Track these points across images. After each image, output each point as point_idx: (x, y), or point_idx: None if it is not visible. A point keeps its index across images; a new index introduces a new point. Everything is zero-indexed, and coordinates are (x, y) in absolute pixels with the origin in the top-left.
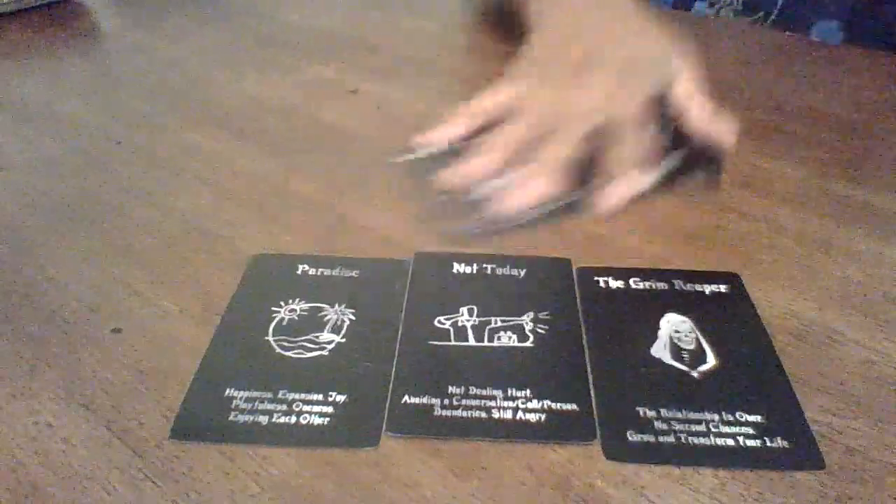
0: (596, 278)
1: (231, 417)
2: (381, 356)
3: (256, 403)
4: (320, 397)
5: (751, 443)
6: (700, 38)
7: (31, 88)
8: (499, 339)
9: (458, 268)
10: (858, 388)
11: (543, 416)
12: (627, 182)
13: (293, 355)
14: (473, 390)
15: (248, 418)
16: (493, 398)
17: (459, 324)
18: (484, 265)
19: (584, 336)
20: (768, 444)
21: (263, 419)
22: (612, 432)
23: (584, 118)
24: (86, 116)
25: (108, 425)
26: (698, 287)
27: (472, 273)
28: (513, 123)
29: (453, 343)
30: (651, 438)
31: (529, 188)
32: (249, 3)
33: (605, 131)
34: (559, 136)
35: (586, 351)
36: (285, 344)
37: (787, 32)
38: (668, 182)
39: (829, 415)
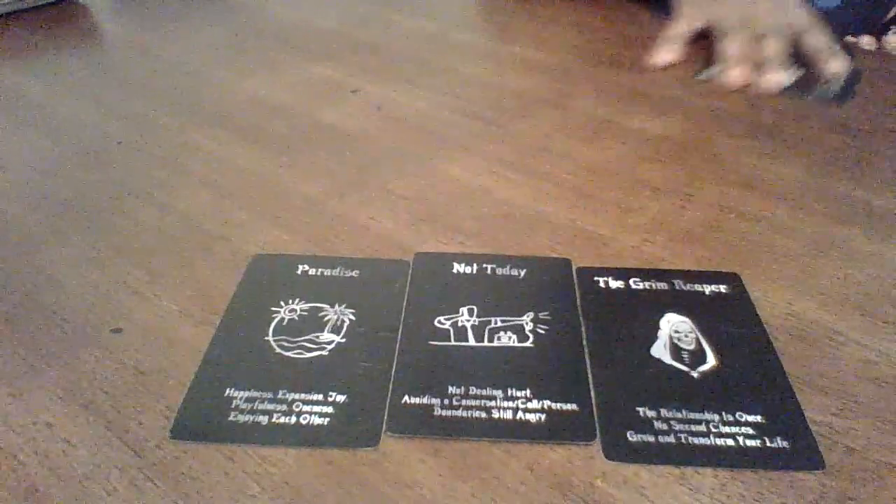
0: (596, 278)
1: (231, 417)
2: (381, 356)
3: (256, 403)
4: (320, 397)
5: (751, 443)
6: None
7: (31, 88)
8: (499, 339)
9: (458, 268)
10: (858, 388)
11: (543, 416)
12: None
13: (293, 355)
14: (473, 390)
15: (248, 418)
16: (493, 398)
17: (459, 324)
18: (484, 265)
19: (584, 336)
20: (768, 444)
21: (263, 419)
22: (612, 432)
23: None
24: (86, 116)
25: (108, 425)
26: (698, 287)
27: (472, 273)
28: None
29: (453, 343)
30: (651, 438)
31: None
32: (250, 4)
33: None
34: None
35: (586, 351)
36: (285, 344)
37: None
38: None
39: (829, 415)
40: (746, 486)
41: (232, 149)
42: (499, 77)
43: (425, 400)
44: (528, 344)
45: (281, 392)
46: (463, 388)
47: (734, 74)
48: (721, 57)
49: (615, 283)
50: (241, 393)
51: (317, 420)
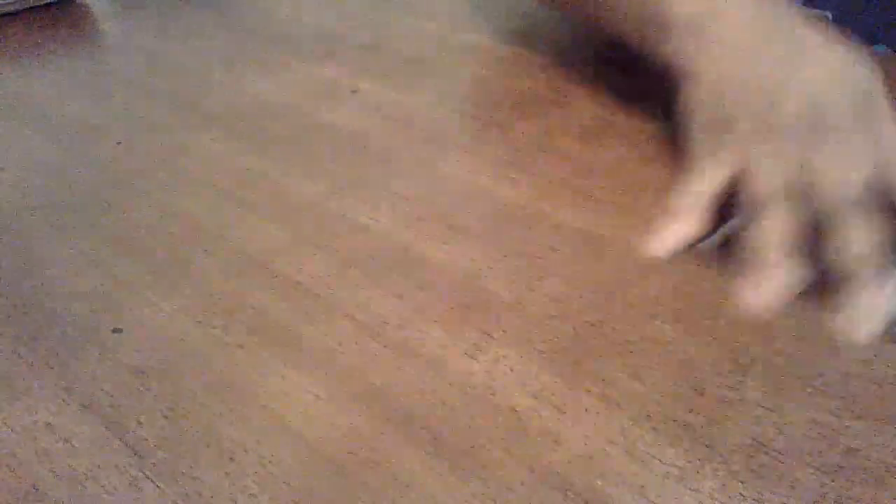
0: None
1: None
2: None
3: None
4: None
5: None
6: None
7: (32, 88)
8: None
9: None
10: (858, 388)
11: None
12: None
13: None
14: None
15: None
16: None
17: None
18: None
19: None
20: None
21: None
22: None
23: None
24: (86, 116)
25: (108, 425)
26: None
27: None
28: (774, 214)
29: None
30: None
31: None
32: (250, 4)
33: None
34: (852, 222)
35: None
36: None
37: None
38: None
39: (829, 415)
40: (746, 486)
41: (232, 149)
42: (499, 77)
43: None
44: None
45: None
46: None
47: (770, 290)
48: (754, 251)
49: None
50: None
51: None
